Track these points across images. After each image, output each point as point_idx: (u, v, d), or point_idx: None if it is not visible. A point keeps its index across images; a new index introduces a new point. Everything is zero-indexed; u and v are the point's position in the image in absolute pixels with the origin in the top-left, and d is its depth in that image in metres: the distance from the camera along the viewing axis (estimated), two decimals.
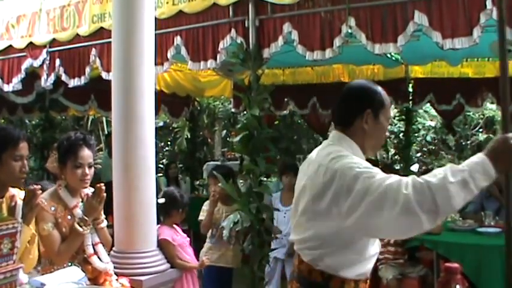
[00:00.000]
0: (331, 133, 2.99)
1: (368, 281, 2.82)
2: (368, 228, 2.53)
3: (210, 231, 6.26)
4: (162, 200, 5.42)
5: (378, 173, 2.52)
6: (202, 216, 6.30)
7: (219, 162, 12.41)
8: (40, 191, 3.43)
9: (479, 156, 2.44)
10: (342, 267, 2.69)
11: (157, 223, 5.15)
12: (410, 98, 10.95)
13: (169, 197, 5.53)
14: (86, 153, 3.87)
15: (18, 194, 3.53)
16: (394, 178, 2.45)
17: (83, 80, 7.15)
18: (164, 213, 5.48)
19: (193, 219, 6.61)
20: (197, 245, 6.60)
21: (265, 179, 5.60)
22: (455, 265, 2.77)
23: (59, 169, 3.88)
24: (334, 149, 2.79)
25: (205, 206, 6.31)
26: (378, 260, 4.06)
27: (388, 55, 8.60)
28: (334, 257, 2.69)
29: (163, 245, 5.15)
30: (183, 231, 5.71)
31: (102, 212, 4.01)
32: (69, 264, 3.71)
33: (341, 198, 2.54)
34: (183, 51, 6.19)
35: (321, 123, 12.61)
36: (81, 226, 3.75)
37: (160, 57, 6.20)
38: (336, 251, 2.69)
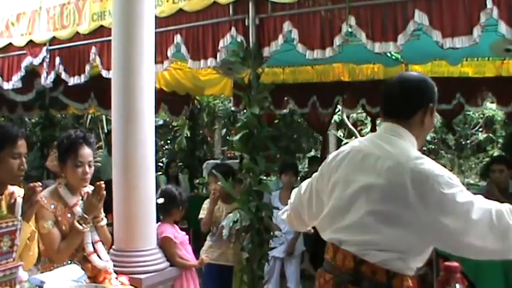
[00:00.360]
0: (385, 124, 2.87)
1: None
2: (458, 247, 2.56)
3: (211, 229, 6.27)
4: (161, 200, 5.42)
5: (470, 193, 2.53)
6: (202, 214, 6.30)
7: (218, 161, 12.41)
8: (40, 188, 3.43)
9: None
10: (411, 268, 2.67)
11: (157, 221, 5.16)
12: None
13: (169, 195, 5.54)
14: (86, 152, 3.88)
15: (18, 192, 3.53)
16: (496, 206, 2.51)
17: (82, 78, 7.14)
18: (164, 212, 5.48)
19: (193, 217, 6.63)
20: (196, 243, 6.61)
21: (264, 177, 5.59)
22: (455, 264, 2.76)
23: (59, 167, 3.88)
24: (407, 145, 2.71)
25: (206, 204, 6.31)
26: None
27: (388, 54, 8.58)
28: (410, 259, 2.64)
29: (165, 243, 5.16)
30: (182, 229, 5.72)
31: (102, 210, 4.01)
32: (69, 262, 3.72)
33: (436, 209, 2.48)
34: (183, 49, 6.18)
35: (321, 122, 12.62)
36: (81, 224, 3.76)
37: (160, 56, 6.20)
38: (412, 255, 2.65)
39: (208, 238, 6.31)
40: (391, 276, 2.60)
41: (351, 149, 2.92)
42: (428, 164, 2.56)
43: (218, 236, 6.13)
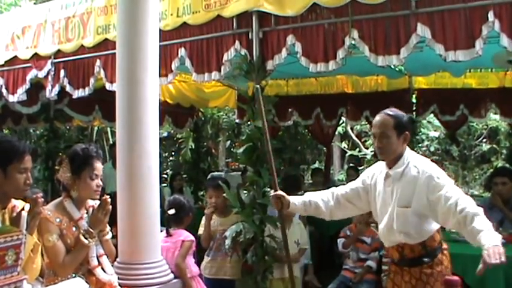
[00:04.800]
0: None
1: None
2: None
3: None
4: (172, 211, 5.50)
5: None
6: (201, 230, 6.33)
7: (222, 173, 12.42)
8: (42, 200, 3.46)
9: None
10: None
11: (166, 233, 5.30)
12: (414, 108, 10.95)
13: (178, 204, 5.62)
14: (99, 165, 3.96)
15: (23, 206, 3.55)
16: None
17: (87, 91, 7.17)
18: (177, 221, 5.58)
19: (197, 229, 6.64)
20: (200, 254, 6.63)
21: (268, 189, 5.61)
22: (456, 278, 2.78)
23: (71, 180, 3.89)
24: None
25: (203, 221, 6.36)
26: (382, 271, 4.17)
27: (392, 66, 8.61)
28: None
29: (187, 247, 5.34)
30: None
31: (107, 224, 4.03)
32: (73, 275, 3.72)
33: None
34: (187, 63, 6.21)
35: (325, 134, 12.62)
36: (86, 238, 3.77)
37: (164, 69, 6.23)
38: None
39: (206, 253, 6.35)
40: None
41: None
42: None
43: (215, 250, 6.16)
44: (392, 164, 4.12)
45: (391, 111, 4.21)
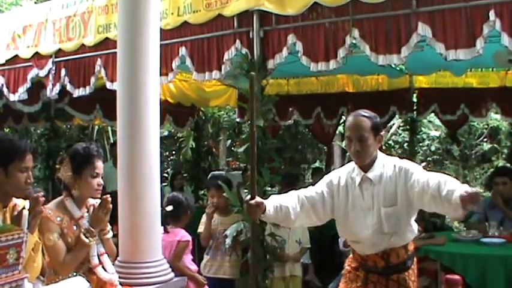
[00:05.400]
0: None
1: None
2: None
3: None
4: (170, 207, 5.52)
5: None
6: (201, 229, 6.34)
7: (223, 172, 12.41)
8: (43, 198, 3.46)
9: None
10: None
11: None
12: (415, 108, 10.96)
13: (176, 201, 5.64)
14: (100, 164, 3.98)
15: (24, 204, 3.55)
16: None
17: (88, 90, 7.18)
18: (174, 218, 5.60)
19: (197, 228, 6.65)
20: (200, 254, 6.65)
21: (269, 188, 5.62)
22: (456, 277, 2.79)
23: (72, 179, 3.89)
24: None
25: (203, 219, 6.37)
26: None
27: (393, 65, 8.61)
28: None
29: (183, 247, 5.33)
30: None
31: (108, 223, 4.03)
32: (74, 274, 3.73)
33: None
34: (188, 61, 6.22)
35: (326, 133, 12.61)
36: (87, 237, 3.77)
37: (165, 68, 6.23)
38: None
39: (205, 252, 6.36)
40: None
41: None
42: None
43: (214, 249, 6.20)
44: (369, 167, 3.99)
45: (366, 112, 4.08)
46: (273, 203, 3.93)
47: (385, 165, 3.97)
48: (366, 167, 3.99)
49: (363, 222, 3.96)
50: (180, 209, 5.62)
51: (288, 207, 3.96)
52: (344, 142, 4.25)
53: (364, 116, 4.00)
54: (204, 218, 6.35)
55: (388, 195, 3.90)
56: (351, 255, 4.26)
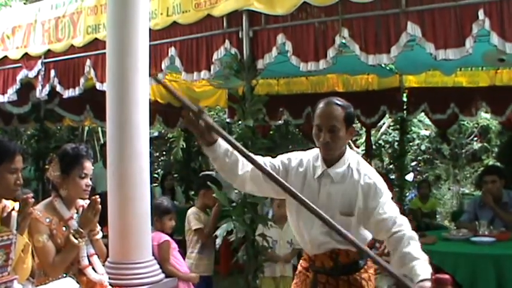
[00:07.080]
0: None
1: None
2: None
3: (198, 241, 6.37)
4: None
5: None
6: (197, 225, 6.34)
7: (214, 173, 12.41)
8: (32, 200, 3.45)
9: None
10: None
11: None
12: (405, 107, 10.96)
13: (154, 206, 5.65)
14: (89, 165, 3.95)
15: (13, 206, 3.54)
16: None
17: (77, 91, 7.16)
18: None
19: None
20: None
21: None
22: (446, 276, 2.77)
23: (60, 179, 3.88)
24: None
25: (195, 215, 6.37)
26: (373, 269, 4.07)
27: (382, 65, 8.62)
28: None
29: (164, 247, 5.31)
30: (177, 241, 5.79)
31: (97, 223, 4.02)
32: (64, 275, 3.72)
33: None
34: (177, 62, 6.21)
35: None
36: (76, 238, 3.76)
37: (154, 68, 6.22)
38: None
39: (194, 250, 6.38)
40: None
41: None
42: None
43: (204, 248, 6.25)
44: (333, 163, 3.62)
45: (339, 100, 3.67)
46: (228, 146, 3.33)
47: (351, 165, 3.60)
48: (330, 162, 3.63)
49: (312, 220, 3.44)
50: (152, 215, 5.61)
51: (239, 160, 3.45)
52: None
53: (337, 104, 3.62)
54: (195, 214, 6.40)
55: (345, 201, 3.53)
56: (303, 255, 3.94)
